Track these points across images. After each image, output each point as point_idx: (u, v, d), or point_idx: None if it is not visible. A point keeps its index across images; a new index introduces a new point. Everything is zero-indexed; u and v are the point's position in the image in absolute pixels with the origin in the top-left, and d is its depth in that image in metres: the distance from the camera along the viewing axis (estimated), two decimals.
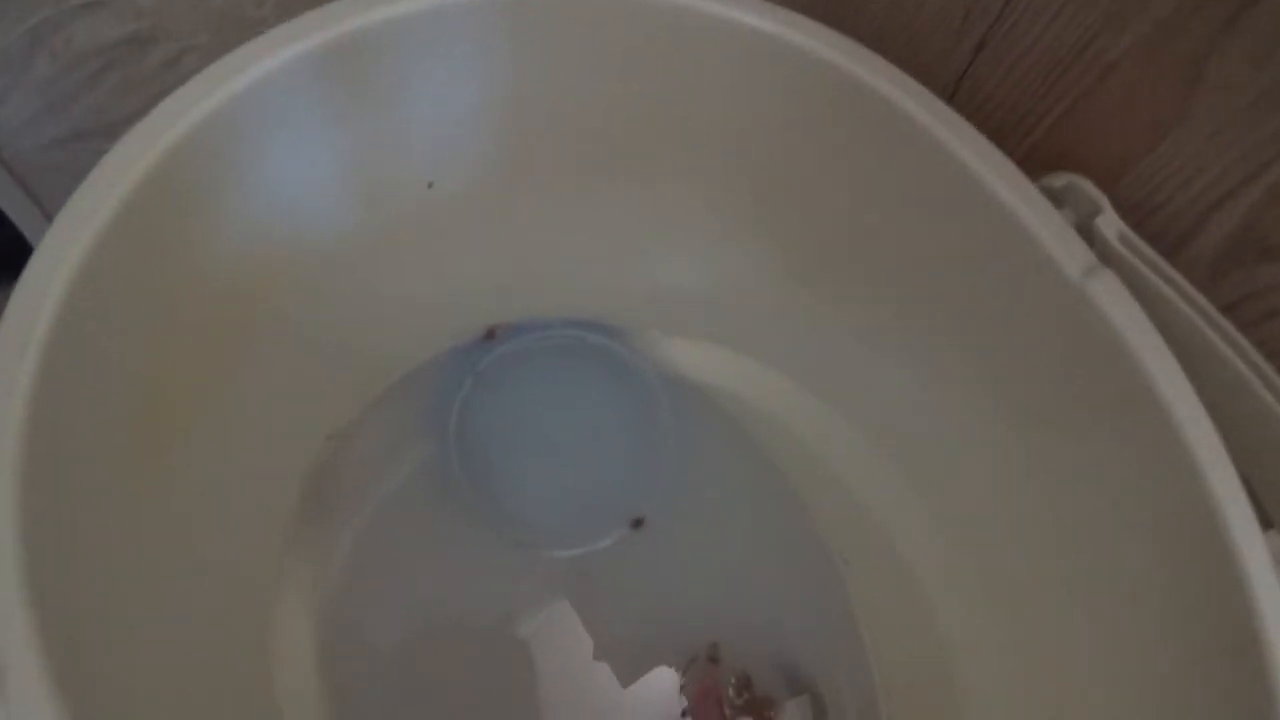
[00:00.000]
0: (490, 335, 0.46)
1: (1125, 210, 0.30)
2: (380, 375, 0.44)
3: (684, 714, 0.40)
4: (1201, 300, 0.27)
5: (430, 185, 0.36)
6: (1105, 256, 0.28)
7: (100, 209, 0.24)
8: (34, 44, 0.37)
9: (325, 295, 0.38)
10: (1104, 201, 0.29)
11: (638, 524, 0.44)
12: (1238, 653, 0.25)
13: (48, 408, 0.22)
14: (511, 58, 0.34)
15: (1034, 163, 0.31)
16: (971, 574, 0.38)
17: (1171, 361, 0.26)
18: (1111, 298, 0.27)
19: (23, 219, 0.44)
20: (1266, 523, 0.29)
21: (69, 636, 0.21)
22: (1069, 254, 0.27)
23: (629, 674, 0.41)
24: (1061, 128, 0.31)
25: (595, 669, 0.41)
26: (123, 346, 0.27)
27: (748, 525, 0.45)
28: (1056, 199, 0.29)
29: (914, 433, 0.39)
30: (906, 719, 0.41)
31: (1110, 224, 0.28)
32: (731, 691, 0.41)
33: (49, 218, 0.32)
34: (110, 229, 0.24)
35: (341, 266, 0.36)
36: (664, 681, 0.41)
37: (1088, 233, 0.29)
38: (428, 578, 0.42)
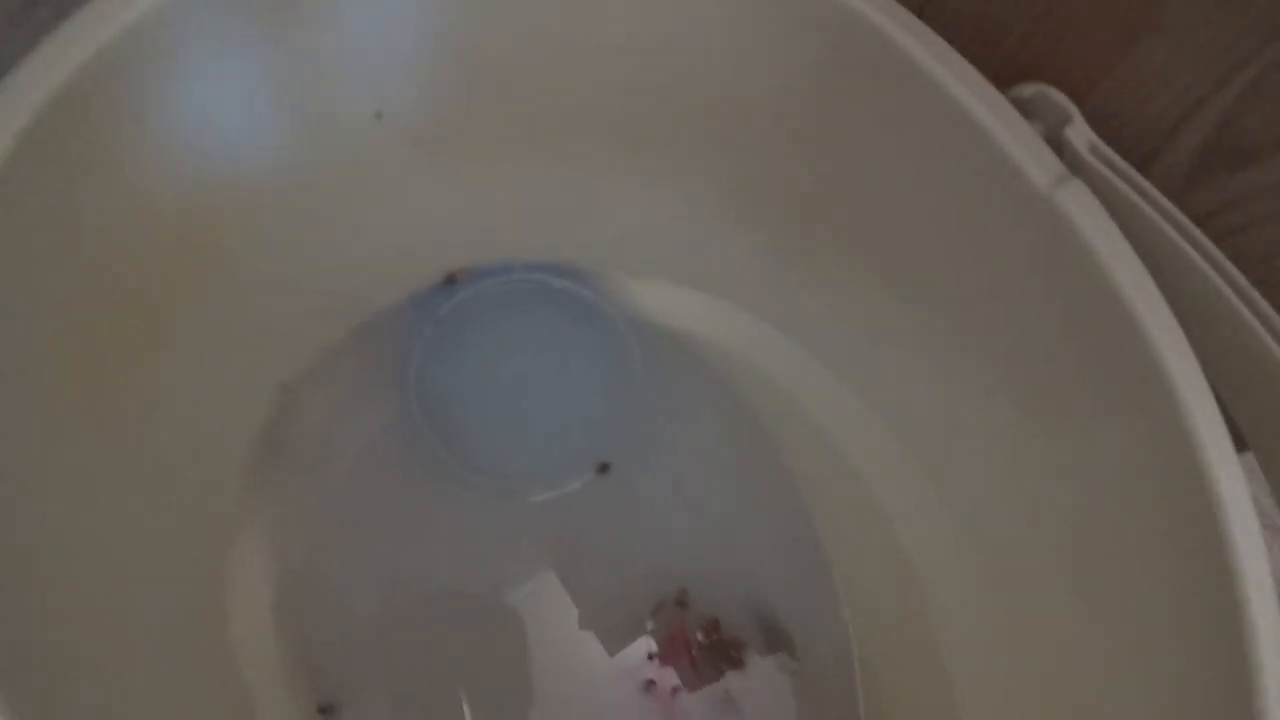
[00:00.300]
0: (451, 280, 0.45)
1: (1098, 122, 0.29)
2: (336, 323, 0.43)
3: (651, 657, 0.39)
4: (1174, 211, 0.27)
5: (379, 116, 0.34)
6: (1076, 167, 0.27)
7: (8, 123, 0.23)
8: None
9: (272, 234, 0.36)
10: (1074, 111, 0.28)
11: (604, 469, 0.43)
12: (1210, 583, 0.25)
13: None
14: None
15: (1004, 76, 0.29)
16: (948, 517, 0.38)
17: (1142, 270, 0.25)
18: (1081, 207, 0.26)
19: None
20: (1241, 443, 0.28)
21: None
22: (1038, 164, 0.26)
23: (597, 618, 0.40)
24: (1031, 38, 0.30)
25: (562, 611, 0.40)
26: (47, 274, 0.25)
27: (717, 470, 0.44)
28: (1026, 110, 0.28)
29: (886, 367, 0.39)
30: (882, 664, 0.40)
31: (1080, 134, 0.27)
32: (700, 635, 0.40)
33: None
34: (17, 152, 0.23)
35: (286, 204, 0.35)
36: (633, 627, 0.40)
37: (1058, 143, 0.28)
38: (390, 528, 0.41)
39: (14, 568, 0.24)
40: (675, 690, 0.39)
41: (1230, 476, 0.23)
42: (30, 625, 0.24)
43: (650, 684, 0.39)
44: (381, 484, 0.42)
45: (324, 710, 0.37)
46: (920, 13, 0.31)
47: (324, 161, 0.35)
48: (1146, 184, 0.27)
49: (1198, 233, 0.26)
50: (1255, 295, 0.26)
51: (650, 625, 0.40)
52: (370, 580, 0.40)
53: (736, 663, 0.40)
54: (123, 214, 0.28)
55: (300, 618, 0.38)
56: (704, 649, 0.40)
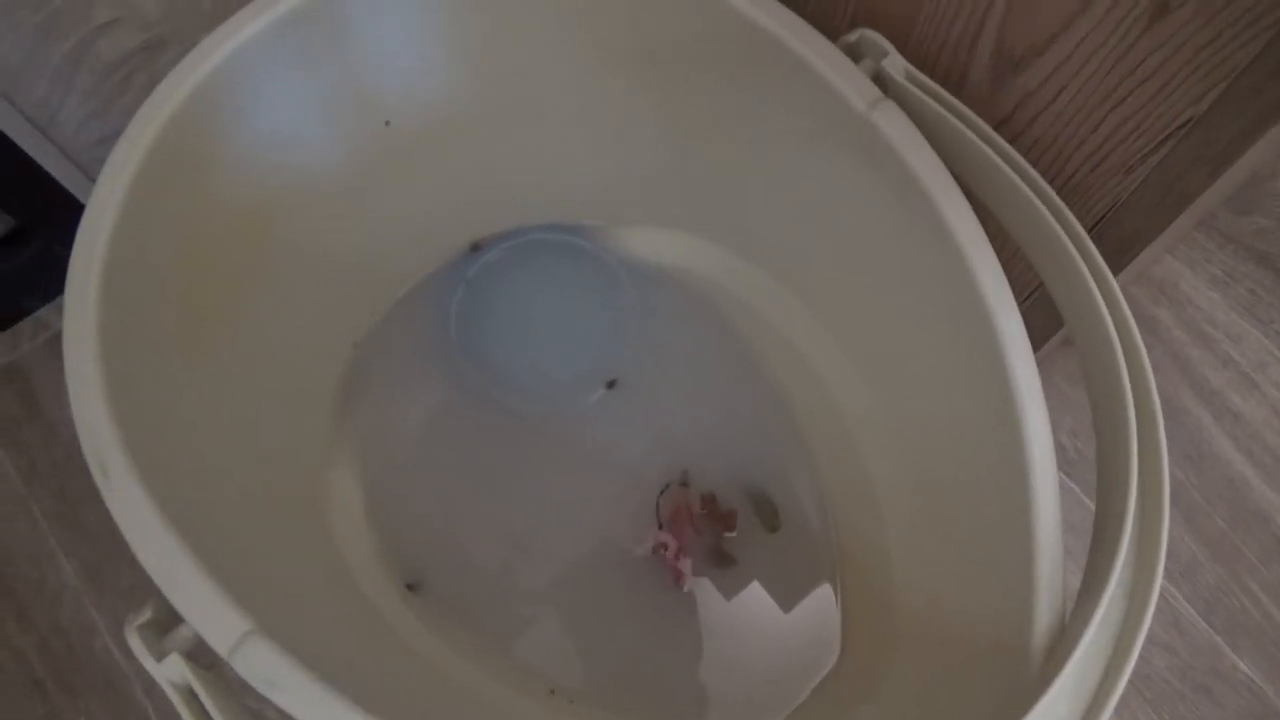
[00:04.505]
0: (476, 247, 0.55)
1: (919, 52, 0.36)
2: (390, 292, 0.54)
3: (661, 526, 0.49)
4: (970, 114, 0.34)
5: (387, 124, 0.45)
6: (895, 92, 0.35)
7: (127, 164, 0.34)
8: (75, 62, 0.47)
9: (328, 223, 0.47)
10: (889, 47, 0.35)
11: (611, 385, 0.53)
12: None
13: (111, 304, 0.32)
14: (450, 16, 0.42)
15: (841, 28, 0.37)
16: (858, 375, 0.47)
17: (939, 166, 0.33)
18: (890, 122, 0.34)
19: None
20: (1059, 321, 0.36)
21: (152, 451, 0.31)
22: (857, 92, 0.34)
23: (617, 499, 0.50)
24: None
25: (589, 495, 0.50)
26: (164, 261, 0.36)
27: (704, 374, 0.53)
28: (855, 51, 0.36)
29: (798, 261, 0.47)
30: (839, 505, 0.49)
31: (895, 64, 0.35)
32: (699, 506, 0.50)
33: None
34: (138, 175, 0.34)
35: (332, 197, 0.45)
36: (646, 504, 0.50)
37: (879, 75, 0.35)
38: (448, 446, 0.52)
39: (154, 426, 0.34)
40: (680, 550, 0.49)
41: (1003, 306, 0.32)
42: (166, 459, 0.34)
43: (661, 547, 0.49)
44: (438, 413, 0.53)
45: (411, 586, 0.48)
46: None
47: (354, 164, 0.45)
48: (949, 96, 0.34)
49: (987, 128, 0.34)
50: (1030, 170, 0.33)
51: (658, 502, 0.50)
52: (436, 486, 0.51)
53: (730, 526, 0.50)
54: (216, 215, 0.39)
55: (385, 516, 0.49)
56: (703, 517, 0.50)
